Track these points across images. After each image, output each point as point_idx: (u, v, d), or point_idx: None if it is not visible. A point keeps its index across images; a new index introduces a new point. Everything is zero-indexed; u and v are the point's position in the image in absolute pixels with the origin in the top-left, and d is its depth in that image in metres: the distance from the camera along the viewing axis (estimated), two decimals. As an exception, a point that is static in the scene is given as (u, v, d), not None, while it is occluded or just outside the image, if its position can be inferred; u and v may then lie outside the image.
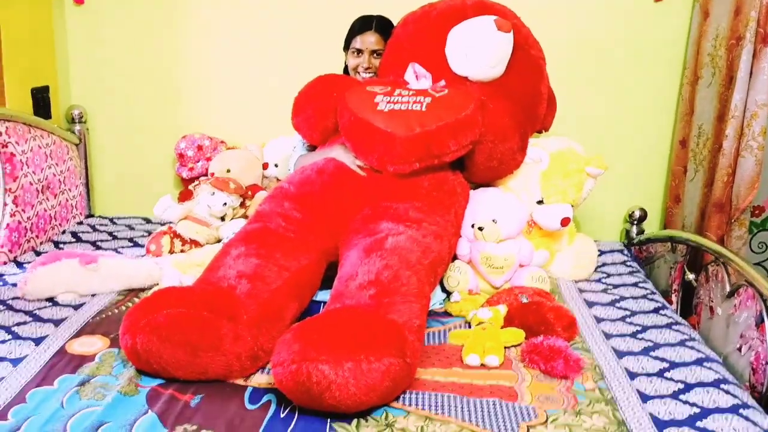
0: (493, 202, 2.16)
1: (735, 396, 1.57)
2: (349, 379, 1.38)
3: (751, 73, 2.26)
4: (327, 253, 1.96)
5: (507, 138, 2.12)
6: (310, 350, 1.40)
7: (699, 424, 1.46)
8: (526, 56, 2.22)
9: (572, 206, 2.25)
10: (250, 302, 1.66)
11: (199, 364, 1.54)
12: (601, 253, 2.55)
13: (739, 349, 1.84)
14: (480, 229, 2.10)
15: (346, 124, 2.08)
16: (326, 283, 1.92)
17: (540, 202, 2.26)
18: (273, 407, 1.48)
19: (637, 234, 2.76)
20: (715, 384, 1.62)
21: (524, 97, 2.21)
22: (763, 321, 1.75)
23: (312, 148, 2.34)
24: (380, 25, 2.35)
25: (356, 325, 1.48)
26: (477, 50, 2.14)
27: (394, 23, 2.35)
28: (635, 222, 2.76)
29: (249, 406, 1.49)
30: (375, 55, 2.34)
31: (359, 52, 2.34)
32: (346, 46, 2.39)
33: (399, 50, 2.28)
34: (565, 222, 2.18)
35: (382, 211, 1.94)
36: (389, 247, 1.78)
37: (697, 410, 1.51)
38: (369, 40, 2.33)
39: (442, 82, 2.16)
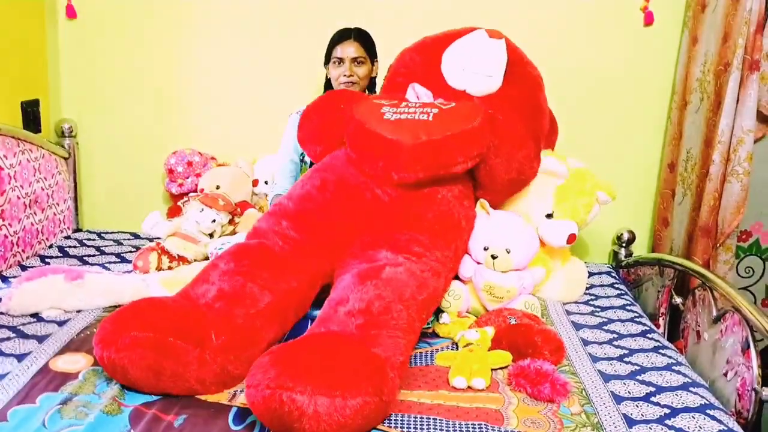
0: (511, 230, 2.11)
1: (720, 422, 1.57)
2: (322, 414, 1.35)
3: (738, 99, 2.29)
4: (322, 276, 1.94)
5: (523, 144, 2.13)
6: (286, 378, 1.38)
7: (684, 449, 1.47)
8: (523, 71, 2.25)
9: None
10: (223, 326, 1.64)
11: (162, 386, 1.56)
12: (590, 275, 2.55)
13: (725, 375, 1.85)
14: (493, 257, 2.07)
15: (352, 134, 2.06)
16: (319, 303, 1.87)
17: (549, 216, 2.26)
18: (257, 428, 1.47)
19: (626, 256, 2.77)
20: (701, 409, 1.62)
21: (527, 109, 2.22)
22: (749, 347, 1.76)
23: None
24: (359, 34, 2.41)
25: (337, 355, 1.45)
26: (473, 60, 2.17)
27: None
28: (624, 244, 2.78)
29: (233, 427, 1.47)
30: (356, 63, 2.38)
31: (340, 61, 2.38)
32: (327, 60, 2.43)
33: (397, 77, 2.31)
34: (571, 239, 2.18)
35: (383, 239, 1.91)
36: (385, 277, 1.75)
37: (683, 436, 1.51)
38: (349, 49, 2.37)
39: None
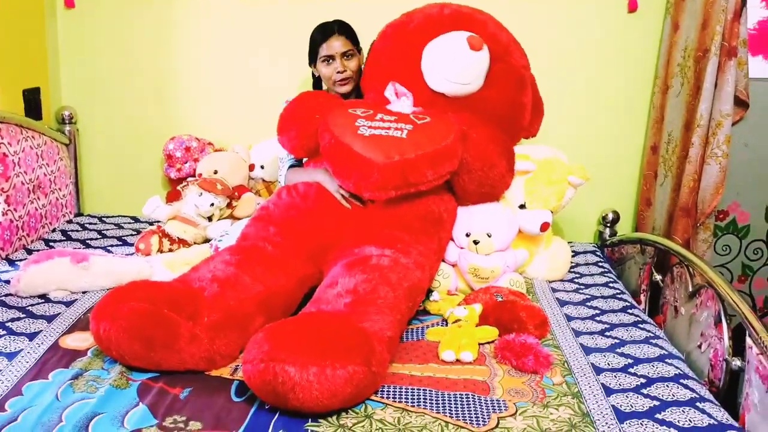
0: (490, 214, 2.20)
1: (693, 390, 1.66)
2: (313, 383, 1.43)
3: (716, 84, 2.37)
4: (310, 277, 2.01)
5: (494, 165, 2.16)
6: (279, 351, 1.46)
7: (658, 416, 1.55)
8: (506, 68, 2.25)
9: (552, 213, 2.33)
10: (215, 306, 1.72)
11: (153, 358, 1.61)
12: (575, 254, 2.65)
13: (700, 347, 1.94)
14: (475, 242, 2.17)
15: (327, 146, 2.09)
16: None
17: (522, 206, 2.35)
18: (258, 400, 1.55)
19: (610, 236, 2.86)
20: (675, 379, 1.71)
21: (505, 111, 2.25)
22: (721, 320, 1.85)
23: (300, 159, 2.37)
24: (342, 27, 2.36)
25: (326, 330, 1.54)
26: (450, 69, 2.18)
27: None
28: (608, 224, 2.86)
29: (235, 399, 1.56)
30: (346, 57, 2.34)
31: (330, 58, 2.33)
32: (313, 59, 2.39)
33: (378, 65, 2.31)
34: (544, 227, 2.26)
35: (367, 238, 1.99)
36: (372, 264, 1.85)
37: (657, 403, 1.60)
38: (335, 44, 2.32)
39: (420, 109, 2.21)
